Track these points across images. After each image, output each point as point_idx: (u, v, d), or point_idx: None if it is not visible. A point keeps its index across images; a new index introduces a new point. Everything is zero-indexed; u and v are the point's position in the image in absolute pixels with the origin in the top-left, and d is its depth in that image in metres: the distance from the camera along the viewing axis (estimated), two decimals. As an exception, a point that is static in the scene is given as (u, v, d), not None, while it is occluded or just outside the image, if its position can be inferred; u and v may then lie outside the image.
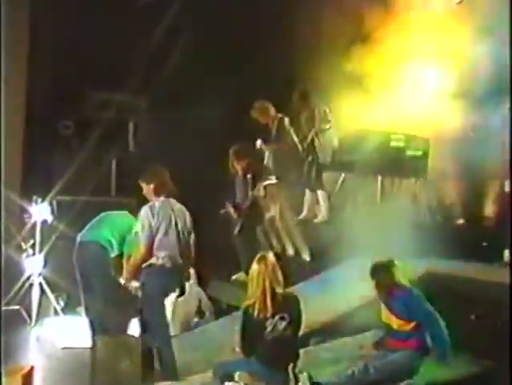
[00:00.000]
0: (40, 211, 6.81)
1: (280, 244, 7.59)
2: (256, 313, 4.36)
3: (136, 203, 8.31)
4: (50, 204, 7.09)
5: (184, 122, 8.29)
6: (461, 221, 7.86)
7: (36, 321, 6.70)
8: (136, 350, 4.48)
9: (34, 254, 6.80)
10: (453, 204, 7.92)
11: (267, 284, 4.38)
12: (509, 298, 5.01)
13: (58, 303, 7.08)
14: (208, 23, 8.16)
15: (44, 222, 6.90)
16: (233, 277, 7.11)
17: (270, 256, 4.53)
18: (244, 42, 8.22)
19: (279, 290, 4.41)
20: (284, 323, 4.34)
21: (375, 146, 7.07)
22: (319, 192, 7.47)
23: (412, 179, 7.59)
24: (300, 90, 7.53)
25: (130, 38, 8.13)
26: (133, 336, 4.64)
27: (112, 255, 5.86)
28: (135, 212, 8.27)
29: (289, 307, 4.42)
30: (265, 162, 7.77)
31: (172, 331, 6.24)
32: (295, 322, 4.42)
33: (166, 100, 8.38)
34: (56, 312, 7.09)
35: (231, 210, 7.20)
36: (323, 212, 7.48)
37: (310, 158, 7.51)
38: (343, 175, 7.64)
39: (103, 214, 6.10)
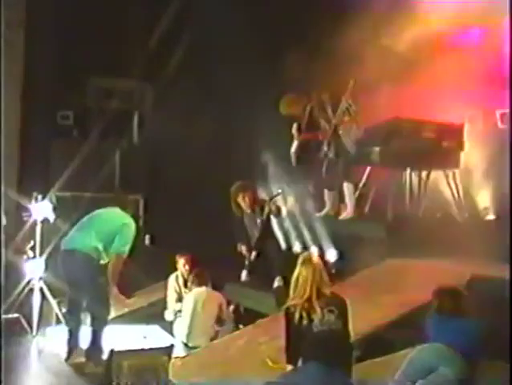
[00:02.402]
0: (41, 209, 6.21)
1: (301, 242, 7.08)
2: (304, 317, 3.90)
3: (142, 199, 7.90)
4: (51, 201, 6.51)
5: (194, 112, 7.69)
6: (491, 217, 7.41)
7: (37, 330, 6.14)
8: (165, 372, 3.90)
9: (34, 257, 6.19)
10: (483, 198, 7.49)
11: (314, 289, 3.95)
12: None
13: (60, 309, 6.51)
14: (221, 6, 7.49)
15: (45, 221, 6.32)
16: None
17: (315, 257, 4.05)
18: (261, 30, 7.58)
19: (327, 292, 3.98)
20: (333, 316, 3.89)
21: (405, 136, 6.54)
22: (345, 187, 6.88)
23: (440, 171, 7.07)
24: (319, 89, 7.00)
25: (135, 21, 7.51)
26: (161, 355, 4.02)
27: (102, 262, 5.32)
28: (140, 209, 7.94)
29: (337, 303, 3.98)
30: (291, 150, 7.27)
31: (191, 342, 5.76)
32: (344, 319, 3.95)
33: (175, 88, 7.73)
34: (58, 319, 6.52)
35: (243, 250, 6.55)
36: (348, 209, 6.91)
37: (332, 152, 6.95)
38: (368, 168, 7.08)
39: (88, 216, 5.55)
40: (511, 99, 6.50)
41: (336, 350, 3.90)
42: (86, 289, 5.24)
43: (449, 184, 7.10)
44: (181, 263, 6.79)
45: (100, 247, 5.28)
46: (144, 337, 5.23)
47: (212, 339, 5.67)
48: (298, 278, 4.03)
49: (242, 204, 6.60)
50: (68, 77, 7.38)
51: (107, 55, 7.30)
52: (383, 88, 6.87)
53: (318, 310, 3.88)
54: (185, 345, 5.67)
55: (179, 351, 5.55)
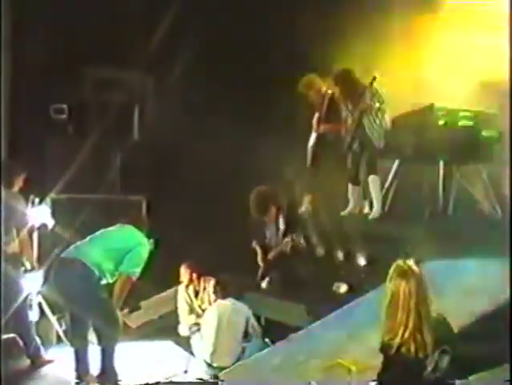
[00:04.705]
0: (38, 214, 5.49)
1: (324, 245, 6.45)
2: (413, 349, 3.14)
3: (145, 201, 7.19)
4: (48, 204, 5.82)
5: (201, 105, 7.00)
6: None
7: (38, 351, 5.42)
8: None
9: (32, 269, 5.47)
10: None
11: (423, 308, 3.16)
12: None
13: (60, 326, 5.82)
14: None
15: (42, 228, 5.61)
16: None
17: (414, 265, 3.27)
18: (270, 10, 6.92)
19: (433, 313, 3.21)
20: (447, 358, 3.14)
21: (439, 126, 5.94)
22: (371, 180, 6.26)
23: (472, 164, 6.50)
24: (340, 69, 6.38)
25: (138, 4, 6.77)
26: None
27: (103, 281, 4.76)
28: (143, 211, 7.23)
29: (447, 335, 3.23)
30: (309, 144, 6.66)
31: (216, 362, 5.09)
32: (456, 359, 3.23)
33: (179, 80, 7.02)
34: (59, 338, 5.82)
35: (259, 253, 6.18)
36: (375, 206, 6.28)
37: (356, 145, 6.34)
38: (397, 161, 6.47)
39: (101, 231, 5.03)
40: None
41: None
42: (86, 304, 4.65)
43: (481, 177, 6.55)
44: (188, 272, 6.20)
45: (107, 265, 4.72)
46: (185, 371, 4.58)
47: (239, 358, 5.02)
48: (396, 295, 3.20)
49: (266, 219, 6.13)
50: (62, 66, 6.62)
51: (106, 42, 6.55)
52: (410, 74, 6.26)
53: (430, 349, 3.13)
54: (209, 365, 5.02)
55: (202, 373, 4.94)
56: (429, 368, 3.14)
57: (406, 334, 3.15)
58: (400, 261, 3.34)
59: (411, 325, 3.15)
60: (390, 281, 3.28)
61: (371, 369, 3.92)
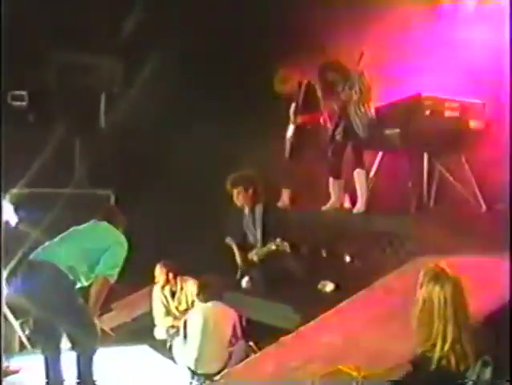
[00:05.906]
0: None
1: (305, 241, 6.17)
2: (454, 362, 2.84)
3: (113, 195, 6.75)
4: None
5: (173, 95, 6.59)
6: (501, 206, 6.77)
7: (-1, 360, 4.97)
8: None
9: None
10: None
11: (461, 316, 2.87)
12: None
13: (24, 332, 5.36)
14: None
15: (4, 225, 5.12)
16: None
17: (448, 268, 2.97)
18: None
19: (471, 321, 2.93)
20: (489, 370, 2.87)
21: (427, 116, 5.73)
22: (357, 174, 6.03)
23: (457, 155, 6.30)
24: (331, 60, 6.16)
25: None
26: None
27: (78, 285, 4.35)
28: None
29: (487, 344, 2.95)
30: (287, 136, 6.40)
31: (201, 369, 4.73)
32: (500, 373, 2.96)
33: (150, 67, 6.55)
34: (23, 345, 5.36)
35: (236, 251, 5.74)
36: (360, 200, 6.03)
37: (340, 134, 6.09)
38: (380, 153, 6.24)
39: (73, 228, 4.58)
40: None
41: None
42: (60, 311, 4.22)
43: (467, 169, 6.38)
44: (164, 272, 5.82)
45: (80, 267, 4.29)
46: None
47: (225, 363, 4.68)
48: (429, 302, 2.89)
49: (236, 202, 5.72)
50: (22, 49, 6.10)
51: (71, 24, 6.09)
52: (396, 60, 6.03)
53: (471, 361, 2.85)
54: (193, 372, 4.66)
55: (186, 380, 4.59)
56: (471, 382, 2.88)
57: (446, 347, 2.87)
58: (431, 264, 3.04)
59: (450, 336, 2.86)
60: (421, 286, 2.97)
61: (375, 376, 3.70)
